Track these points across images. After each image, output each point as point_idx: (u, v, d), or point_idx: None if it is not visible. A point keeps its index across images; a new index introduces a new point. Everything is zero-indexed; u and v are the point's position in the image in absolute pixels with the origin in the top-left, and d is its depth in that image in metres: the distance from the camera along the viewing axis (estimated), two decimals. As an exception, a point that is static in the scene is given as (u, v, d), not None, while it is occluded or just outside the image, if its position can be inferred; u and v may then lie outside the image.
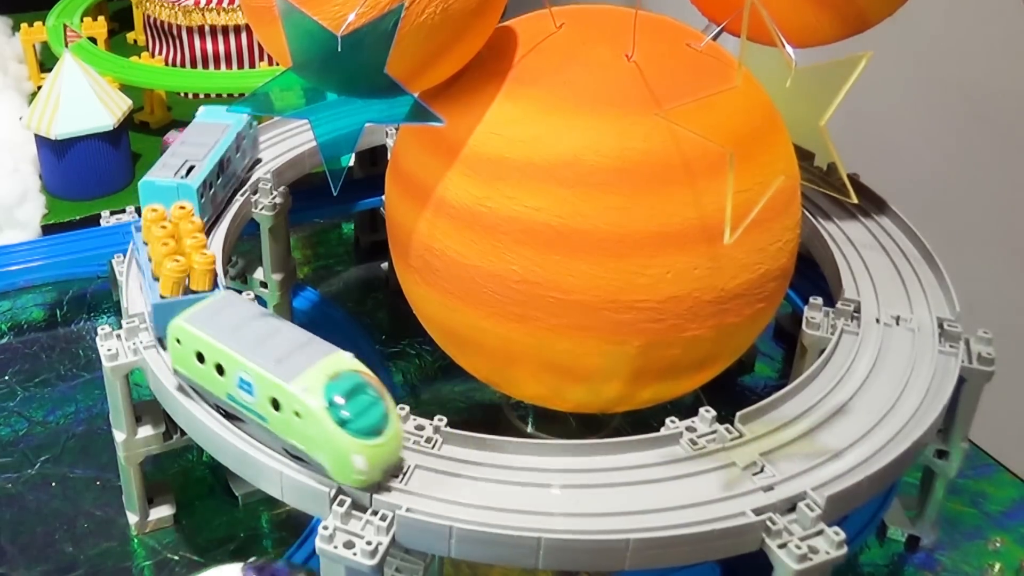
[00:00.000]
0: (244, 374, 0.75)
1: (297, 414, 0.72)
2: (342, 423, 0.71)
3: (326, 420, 0.71)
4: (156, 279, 0.88)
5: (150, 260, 0.90)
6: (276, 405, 0.74)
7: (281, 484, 0.76)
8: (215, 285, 0.88)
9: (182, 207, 0.94)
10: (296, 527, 0.99)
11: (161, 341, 0.87)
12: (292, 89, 0.80)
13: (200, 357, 0.79)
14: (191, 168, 1.02)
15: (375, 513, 0.72)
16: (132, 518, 0.99)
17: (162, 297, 0.86)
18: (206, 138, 1.08)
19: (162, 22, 1.80)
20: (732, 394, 1.16)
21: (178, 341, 0.80)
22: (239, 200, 1.09)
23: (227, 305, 0.82)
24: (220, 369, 0.77)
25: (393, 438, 0.73)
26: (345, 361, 0.75)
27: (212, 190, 1.05)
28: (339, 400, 0.72)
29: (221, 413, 0.81)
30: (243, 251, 1.17)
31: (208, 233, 1.04)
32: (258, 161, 1.17)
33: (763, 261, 0.83)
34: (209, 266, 0.87)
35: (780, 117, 0.86)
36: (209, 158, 1.04)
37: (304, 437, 0.73)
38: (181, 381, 0.83)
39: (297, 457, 0.75)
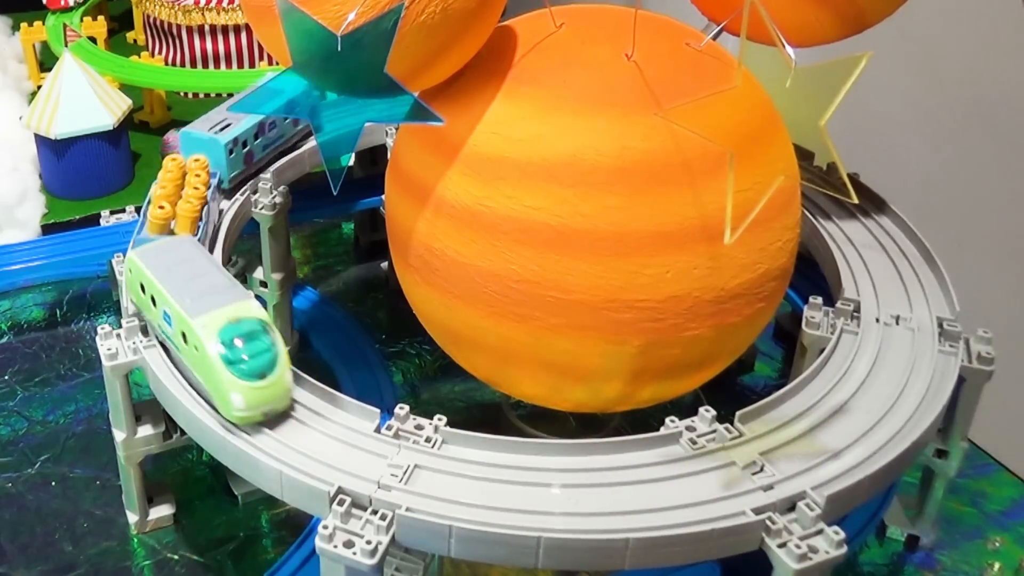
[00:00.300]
0: (166, 307, 0.83)
1: (196, 348, 0.80)
2: (230, 362, 0.78)
3: (214, 356, 0.78)
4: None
5: (149, 202, 0.99)
6: (184, 338, 0.82)
7: (281, 483, 0.76)
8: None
9: (197, 159, 1.03)
10: (296, 526, 0.99)
11: None
12: (292, 89, 0.80)
13: (142, 288, 0.87)
14: (228, 125, 1.08)
15: (375, 512, 0.73)
16: (132, 517, 0.99)
17: (147, 235, 0.96)
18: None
19: (162, 21, 1.80)
20: (732, 394, 1.17)
21: (130, 271, 0.89)
22: (239, 199, 1.09)
23: (176, 247, 0.90)
24: (153, 301, 0.86)
25: (276, 384, 0.79)
26: (252, 309, 0.81)
27: (247, 148, 1.09)
28: (237, 343, 0.79)
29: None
30: (243, 251, 1.17)
31: (236, 189, 1.10)
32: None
33: (763, 261, 0.83)
34: (191, 214, 0.97)
35: (780, 117, 0.86)
36: (248, 119, 1.09)
37: (200, 371, 0.81)
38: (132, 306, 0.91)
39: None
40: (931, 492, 0.97)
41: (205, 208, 0.99)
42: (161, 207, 0.97)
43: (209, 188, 1.02)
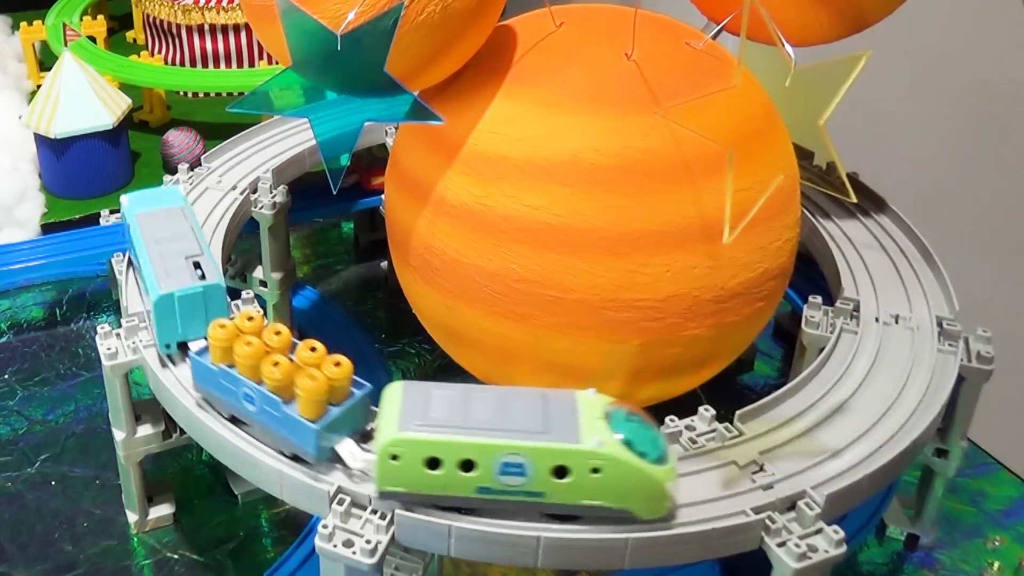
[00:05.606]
0: (511, 457, 0.68)
1: (595, 471, 0.68)
2: (641, 456, 0.68)
3: (635, 461, 0.68)
4: (282, 400, 0.73)
5: (261, 383, 0.74)
6: (562, 473, 0.68)
7: (280, 483, 0.76)
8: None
9: (250, 317, 0.76)
10: (295, 526, 0.99)
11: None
12: (292, 88, 0.80)
13: (433, 463, 0.69)
14: (196, 263, 0.86)
15: (374, 512, 0.72)
16: (132, 517, 0.99)
17: (312, 421, 0.72)
18: (174, 226, 0.92)
19: (161, 21, 1.80)
20: (731, 393, 1.16)
21: (394, 458, 0.69)
22: (239, 199, 1.09)
23: (428, 397, 0.71)
24: (468, 465, 0.69)
25: (672, 454, 0.70)
26: (589, 396, 0.71)
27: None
28: (626, 436, 0.69)
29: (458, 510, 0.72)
30: (243, 250, 1.17)
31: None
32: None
33: (762, 260, 0.83)
34: (347, 377, 0.73)
35: (779, 116, 0.86)
36: (206, 247, 0.89)
37: (604, 491, 0.69)
38: (392, 499, 0.72)
39: (568, 517, 0.71)
40: (931, 491, 0.97)
41: None
42: (312, 378, 0.71)
43: None
